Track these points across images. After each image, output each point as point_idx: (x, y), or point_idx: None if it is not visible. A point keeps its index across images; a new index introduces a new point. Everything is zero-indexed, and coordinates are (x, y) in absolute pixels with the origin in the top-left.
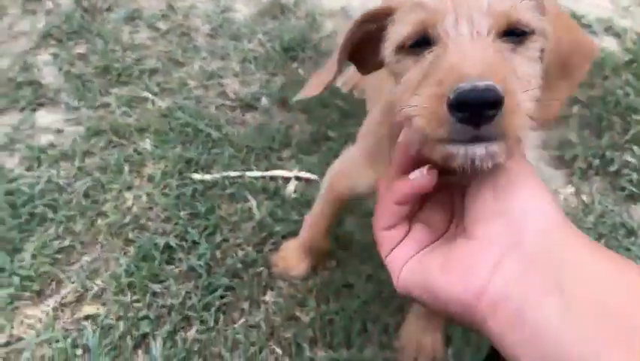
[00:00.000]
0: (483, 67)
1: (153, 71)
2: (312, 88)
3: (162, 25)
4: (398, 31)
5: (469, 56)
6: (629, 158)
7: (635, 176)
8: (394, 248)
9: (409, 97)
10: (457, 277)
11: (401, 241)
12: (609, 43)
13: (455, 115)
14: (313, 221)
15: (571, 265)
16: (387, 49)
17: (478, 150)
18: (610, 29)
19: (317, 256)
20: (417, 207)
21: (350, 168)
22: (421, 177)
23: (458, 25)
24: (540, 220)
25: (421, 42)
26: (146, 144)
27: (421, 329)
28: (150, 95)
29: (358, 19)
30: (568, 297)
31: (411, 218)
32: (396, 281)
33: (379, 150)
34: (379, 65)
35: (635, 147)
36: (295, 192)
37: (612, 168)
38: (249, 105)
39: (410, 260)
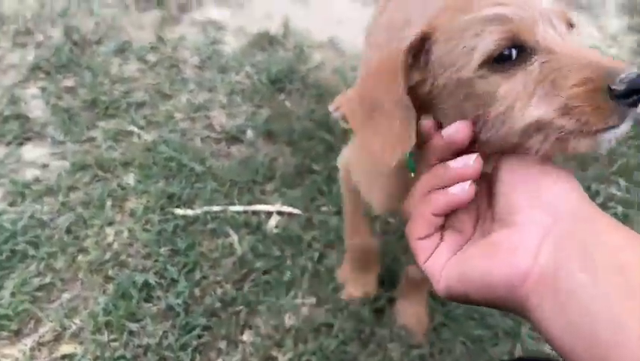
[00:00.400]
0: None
1: (140, 104)
2: (392, 155)
3: (151, 58)
4: (481, 46)
5: (593, 54)
6: (614, 190)
7: (620, 209)
8: (431, 255)
9: (523, 106)
10: (502, 260)
11: (436, 247)
12: None
13: (624, 102)
14: (346, 222)
15: (600, 241)
16: (465, 67)
17: (624, 128)
18: None
19: (368, 263)
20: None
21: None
22: (461, 193)
23: (548, 30)
24: (570, 203)
25: (505, 57)
26: (130, 179)
27: (407, 305)
28: (136, 129)
29: (406, 48)
30: (598, 269)
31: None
32: (437, 285)
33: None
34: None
35: (620, 180)
36: (277, 227)
37: (598, 201)
38: (234, 138)
39: (448, 263)
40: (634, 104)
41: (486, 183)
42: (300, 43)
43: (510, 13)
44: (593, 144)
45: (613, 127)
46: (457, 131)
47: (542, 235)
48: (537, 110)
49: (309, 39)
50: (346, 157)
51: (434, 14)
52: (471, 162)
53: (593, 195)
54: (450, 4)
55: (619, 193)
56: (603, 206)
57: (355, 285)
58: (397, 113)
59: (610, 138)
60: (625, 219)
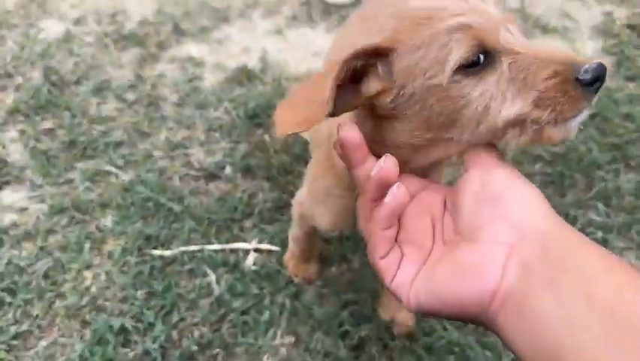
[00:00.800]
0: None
1: (119, 144)
2: (295, 124)
3: (130, 96)
4: (453, 54)
5: (554, 49)
6: (593, 216)
7: (600, 234)
8: (396, 274)
9: (498, 105)
10: (471, 280)
11: (399, 264)
12: None
13: (591, 89)
14: (294, 240)
15: (566, 260)
16: (440, 74)
17: (587, 112)
18: None
19: (310, 256)
20: (399, 229)
21: (308, 209)
22: (393, 199)
23: (508, 35)
24: (536, 221)
25: (474, 62)
26: (108, 220)
27: (394, 305)
28: (114, 169)
29: (354, 52)
30: (563, 291)
31: (398, 241)
32: (407, 302)
33: (329, 190)
34: (351, 104)
35: (599, 204)
36: (255, 264)
37: (577, 227)
38: (212, 175)
39: (415, 279)
40: (597, 90)
41: (432, 190)
42: (277, 76)
43: (472, 21)
44: (566, 131)
45: (580, 113)
46: (386, 167)
47: (507, 254)
48: (514, 107)
49: (287, 72)
50: (299, 194)
51: (391, 27)
52: (387, 168)
53: (572, 221)
54: (407, 16)
55: (598, 218)
56: (582, 232)
57: (298, 270)
58: (327, 87)
59: (577, 123)
60: (605, 244)
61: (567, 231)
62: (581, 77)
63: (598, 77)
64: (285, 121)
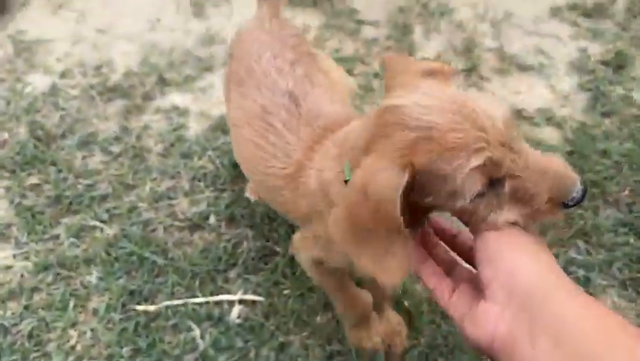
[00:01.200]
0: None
1: (104, 197)
2: (400, 276)
3: (115, 148)
4: (472, 190)
5: (549, 165)
6: (574, 254)
7: (581, 272)
8: (460, 308)
9: (498, 214)
10: (476, 327)
11: (455, 294)
12: (550, 135)
13: (566, 207)
14: (331, 296)
15: (553, 314)
16: (461, 199)
17: None
18: (551, 119)
19: (366, 316)
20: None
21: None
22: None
23: (513, 157)
24: (527, 278)
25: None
26: (92, 277)
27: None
28: (99, 223)
29: (397, 199)
30: (542, 344)
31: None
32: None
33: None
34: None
35: (579, 242)
36: (239, 317)
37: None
38: (196, 225)
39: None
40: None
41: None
42: None
43: (485, 160)
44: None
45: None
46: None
47: (501, 308)
48: (510, 216)
49: None
50: (300, 243)
51: (405, 144)
52: None
53: None
54: (417, 137)
55: (579, 257)
56: (564, 270)
57: (361, 339)
58: (396, 242)
59: None
60: (586, 283)
61: (555, 287)
62: (567, 202)
63: (579, 202)
64: (390, 273)
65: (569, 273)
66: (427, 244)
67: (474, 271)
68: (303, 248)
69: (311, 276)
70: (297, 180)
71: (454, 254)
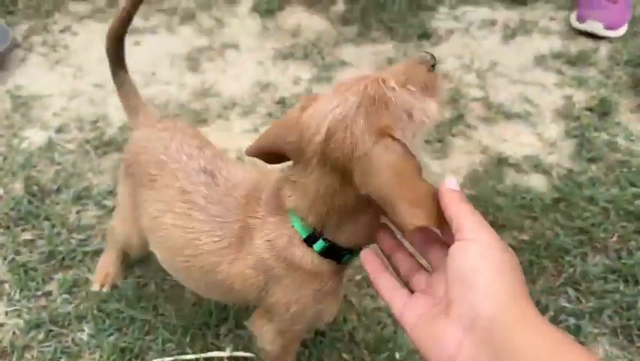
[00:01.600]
0: None
1: (97, 252)
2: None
3: (109, 203)
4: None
5: None
6: (564, 303)
7: (572, 321)
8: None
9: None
10: (437, 345)
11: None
12: (538, 182)
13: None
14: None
15: (514, 347)
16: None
17: None
18: (538, 167)
19: None
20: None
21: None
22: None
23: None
24: (492, 308)
25: None
26: (84, 334)
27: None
28: (91, 276)
29: None
30: None
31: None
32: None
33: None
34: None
35: (569, 290)
36: None
37: (548, 315)
38: None
39: (419, 317)
40: None
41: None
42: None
43: None
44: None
45: None
46: None
47: (463, 333)
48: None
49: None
50: (261, 327)
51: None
52: None
53: (543, 310)
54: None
55: (569, 305)
56: (554, 320)
57: None
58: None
59: None
60: (577, 332)
61: (520, 321)
62: (427, 61)
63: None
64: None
65: (559, 322)
66: (390, 247)
67: (430, 273)
68: (268, 321)
69: (272, 351)
70: (239, 253)
71: (417, 257)
